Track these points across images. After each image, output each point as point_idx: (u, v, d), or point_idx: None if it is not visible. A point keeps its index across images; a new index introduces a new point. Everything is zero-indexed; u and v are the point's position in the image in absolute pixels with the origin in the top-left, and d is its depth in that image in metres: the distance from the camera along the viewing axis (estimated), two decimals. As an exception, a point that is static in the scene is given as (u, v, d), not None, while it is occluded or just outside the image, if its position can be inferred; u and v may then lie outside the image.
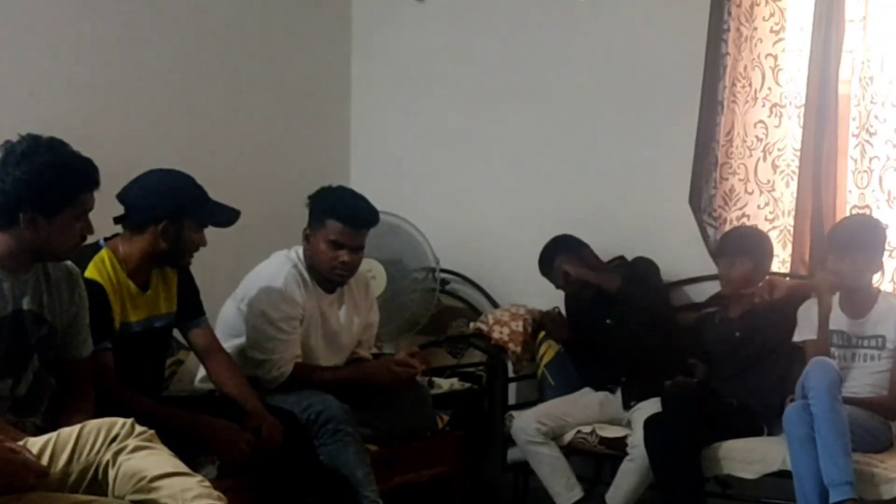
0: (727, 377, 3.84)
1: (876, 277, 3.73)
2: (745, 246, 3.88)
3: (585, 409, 4.03)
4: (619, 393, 4.09)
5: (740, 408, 3.72)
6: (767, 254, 3.96)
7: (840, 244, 3.61)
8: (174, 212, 3.09)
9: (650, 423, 3.63)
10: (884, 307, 3.62)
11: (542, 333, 4.38)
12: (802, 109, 4.09)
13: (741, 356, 3.83)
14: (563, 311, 4.38)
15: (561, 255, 4.19)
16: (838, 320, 3.65)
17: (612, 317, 4.14)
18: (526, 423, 3.93)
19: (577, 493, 3.88)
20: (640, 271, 4.14)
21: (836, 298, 3.69)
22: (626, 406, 4.02)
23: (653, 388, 3.90)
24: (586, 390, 4.14)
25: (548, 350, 4.34)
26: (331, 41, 5.18)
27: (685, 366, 4.05)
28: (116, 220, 3.11)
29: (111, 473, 2.37)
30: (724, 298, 4.04)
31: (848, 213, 4.01)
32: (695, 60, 4.22)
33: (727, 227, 4.24)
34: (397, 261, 4.58)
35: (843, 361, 3.59)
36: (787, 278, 4.02)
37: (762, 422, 3.69)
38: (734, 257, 3.87)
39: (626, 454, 3.77)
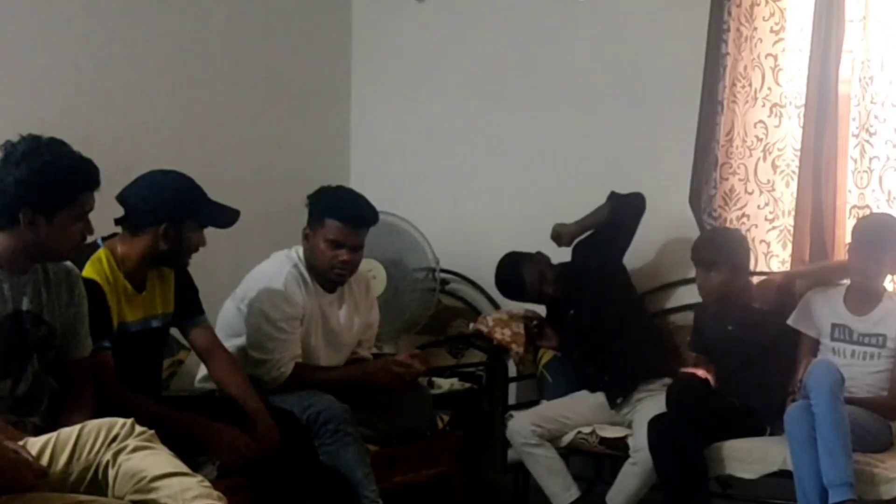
0: (726, 374, 3.82)
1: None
2: (718, 256, 3.81)
3: (583, 411, 4.02)
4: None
5: (742, 408, 3.71)
6: (743, 254, 3.90)
7: (864, 240, 3.60)
8: (175, 213, 3.09)
9: (655, 424, 3.60)
10: (888, 306, 3.63)
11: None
12: (802, 109, 4.08)
13: (738, 352, 3.80)
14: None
15: (525, 267, 4.21)
16: (841, 315, 3.66)
17: (573, 307, 4.22)
18: (521, 426, 3.92)
19: (574, 492, 3.88)
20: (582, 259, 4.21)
21: (840, 293, 3.70)
22: (613, 404, 4.00)
23: (633, 382, 3.94)
24: (584, 393, 4.14)
25: (546, 350, 4.35)
26: (331, 41, 5.19)
27: (661, 350, 4.11)
28: (117, 221, 3.11)
29: (111, 473, 2.37)
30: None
31: (848, 213, 4.01)
32: (695, 60, 4.22)
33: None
34: (397, 261, 4.58)
35: (842, 357, 3.59)
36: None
37: (765, 422, 3.67)
38: (708, 269, 3.81)
39: (628, 455, 3.77)
